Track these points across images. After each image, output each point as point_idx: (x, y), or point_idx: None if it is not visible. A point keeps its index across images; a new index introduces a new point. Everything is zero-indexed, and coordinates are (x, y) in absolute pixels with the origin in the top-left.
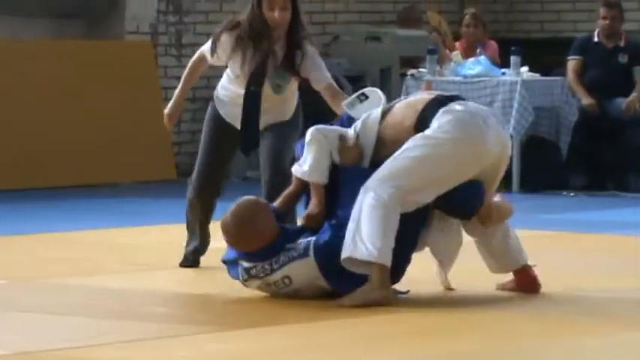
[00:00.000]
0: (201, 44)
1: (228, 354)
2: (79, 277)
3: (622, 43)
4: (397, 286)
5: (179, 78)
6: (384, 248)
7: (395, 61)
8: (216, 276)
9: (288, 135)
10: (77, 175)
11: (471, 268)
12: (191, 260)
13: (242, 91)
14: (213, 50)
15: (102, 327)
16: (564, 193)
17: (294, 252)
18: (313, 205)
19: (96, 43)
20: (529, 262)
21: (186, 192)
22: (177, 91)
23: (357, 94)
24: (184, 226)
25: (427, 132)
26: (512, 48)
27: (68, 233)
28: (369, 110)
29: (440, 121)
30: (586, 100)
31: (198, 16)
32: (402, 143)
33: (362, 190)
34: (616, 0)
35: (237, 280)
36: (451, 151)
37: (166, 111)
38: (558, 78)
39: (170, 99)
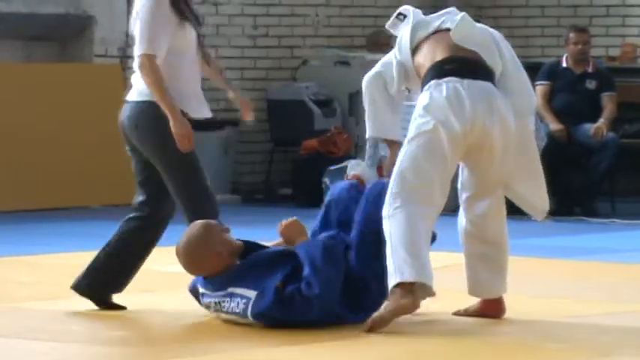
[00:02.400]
0: None
1: None
2: (45, 300)
3: (590, 69)
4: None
5: None
6: (417, 266)
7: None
8: (183, 299)
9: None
10: (46, 199)
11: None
12: None
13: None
14: (159, 47)
15: (66, 351)
16: (532, 218)
17: (236, 306)
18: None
19: (65, 66)
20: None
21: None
22: (171, 106)
23: (395, 13)
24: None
25: (412, 128)
26: None
27: (35, 256)
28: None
29: (422, 101)
30: (554, 126)
31: None
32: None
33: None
34: (585, 25)
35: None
36: (436, 143)
37: (183, 131)
38: None
39: None
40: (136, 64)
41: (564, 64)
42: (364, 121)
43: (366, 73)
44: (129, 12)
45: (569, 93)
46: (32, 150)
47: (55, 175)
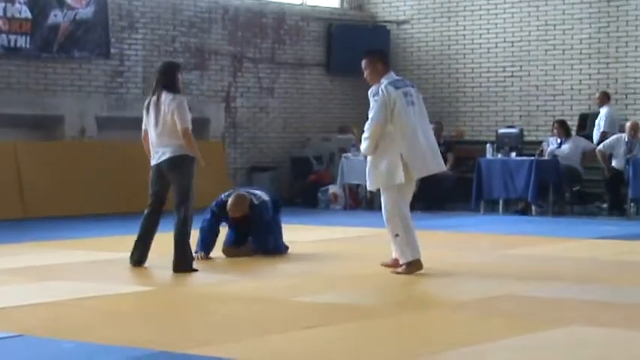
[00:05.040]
0: None
1: None
2: None
3: (442, 141)
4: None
5: None
6: (408, 250)
7: (336, 150)
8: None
9: None
10: None
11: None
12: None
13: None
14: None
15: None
16: (416, 211)
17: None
18: None
19: None
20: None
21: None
22: (198, 152)
23: None
24: None
25: None
26: None
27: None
28: None
29: None
30: None
31: None
32: None
33: None
34: (440, 119)
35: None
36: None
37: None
38: None
39: None
40: (180, 133)
41: None
42: (337, 170)
43: (337, 144)
44: None
45: None
46: None
47: None
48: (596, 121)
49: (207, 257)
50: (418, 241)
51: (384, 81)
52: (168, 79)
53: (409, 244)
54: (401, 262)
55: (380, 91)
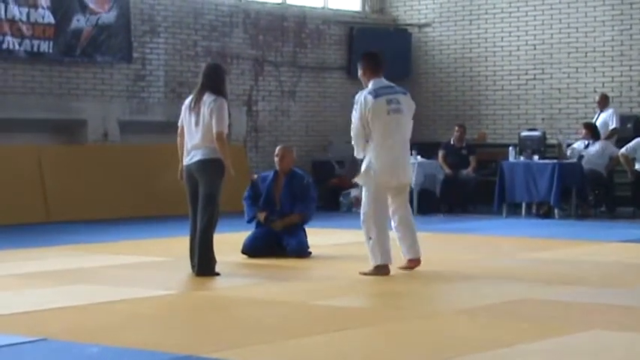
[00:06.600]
0: None
1: None
2: None
3: (464, 144)
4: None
5: None
6: (378, 254)
7: None
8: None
9: None
10: None
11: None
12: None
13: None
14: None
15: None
16: (439, 214)
17: None
18: None
19: None
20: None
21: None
22: (229, 158)
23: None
24: None
25: None
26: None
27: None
28: None
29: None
30: (447, 171)
31: None
32: None
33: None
34: (463, 122)
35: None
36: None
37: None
38: (434, 161)
39: None
40: (214, 136)
41: (452, 142)
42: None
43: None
44: None
45: (454, 156)
46: None
47: None
48: (597, 123)
49: (266, 214)
50: (391, 247)
51: (369, 86)
52: (211, 81)
53: (380, 249)
54: (371, 262)
55: (358, 102)
